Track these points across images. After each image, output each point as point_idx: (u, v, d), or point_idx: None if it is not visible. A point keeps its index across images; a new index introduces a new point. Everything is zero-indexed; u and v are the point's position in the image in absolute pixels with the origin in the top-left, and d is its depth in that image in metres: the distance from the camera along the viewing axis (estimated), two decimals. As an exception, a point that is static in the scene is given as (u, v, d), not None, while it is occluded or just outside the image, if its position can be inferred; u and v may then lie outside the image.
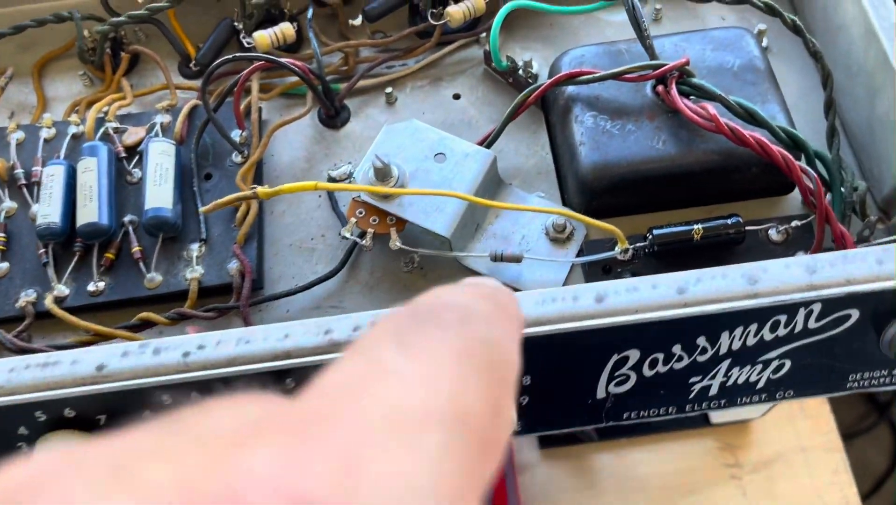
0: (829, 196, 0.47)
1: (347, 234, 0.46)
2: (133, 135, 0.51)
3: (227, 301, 0.46)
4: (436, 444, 0.14)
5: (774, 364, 0.41)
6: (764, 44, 0.54)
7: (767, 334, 0.40)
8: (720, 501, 0.84)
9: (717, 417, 0.89)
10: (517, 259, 0.46)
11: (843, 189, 0.46)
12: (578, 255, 0.47)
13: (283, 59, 0.48)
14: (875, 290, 0.38)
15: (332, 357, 0.38)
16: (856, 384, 0.43)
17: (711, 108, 0.44)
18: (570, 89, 0.49)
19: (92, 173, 0.48)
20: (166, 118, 0.52)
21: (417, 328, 0.17)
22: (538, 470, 0.85)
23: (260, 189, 0.43)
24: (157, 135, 0.51)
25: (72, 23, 0.54)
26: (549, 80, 0.47)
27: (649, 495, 0.84)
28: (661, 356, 0.40)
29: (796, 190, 0.48)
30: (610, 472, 0.85)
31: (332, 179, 0.51)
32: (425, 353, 0.16)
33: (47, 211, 0.47)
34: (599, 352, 0.40)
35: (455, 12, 0.53)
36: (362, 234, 0.46)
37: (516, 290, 0.47)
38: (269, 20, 0.56)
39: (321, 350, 0.38)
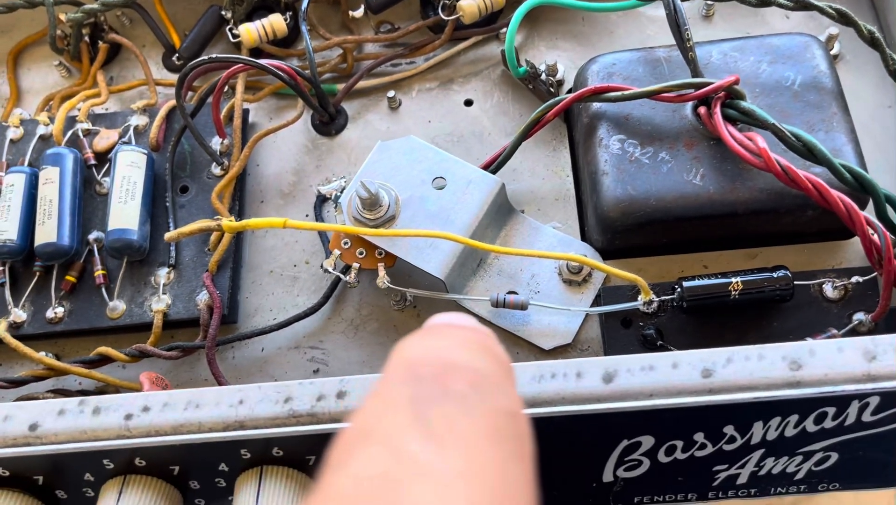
0: (899, 246, 0.39)
1: (329, 268, 0.41)
2: (105, 139, 0.46)
3: (198, 334, 0.41)
4: None
5: (818, 456, 0.35)
6: (835, 50, 0.46)
7: (811, 426, 0.33)
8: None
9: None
10: (522, 306, 0.40)
11: (918, 240, 0.38)
12: (595, 303, 0.41)
13: (264, 62, 0.42)
14: (949, 383, 0.31)
15: (291, 430, 0.33)
16: (916, 479, 0.36)
17: (761, 139, 0.37)
18: (596, 106, 0.41)
19: (53, 185, 0.43)
20: (143, 120, 0.46)
21: (435, 405, 0.15)
22: None
23: (224, 222, 0.37)
24: (129, 140, 0.45)
25: (44, 7, 0.48)
26: (571, 96, 0.40)
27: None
28: (679, 444, 0.34)
29: (860, 234, 0.40)
30: None
31: (321, 196, 0.45)
32: (456, 440, 0.15)
33: (5, 226, 0.42)
34: (606, 437, 0.34)
35: (468, 6, 0.46)
36: (347, 269, 0.41)
37: (520, 338, 0.41)
38: (264, 7, 0.49)
39: (279, 421, 0.33)
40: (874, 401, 0.32)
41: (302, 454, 0.34)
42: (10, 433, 0.34)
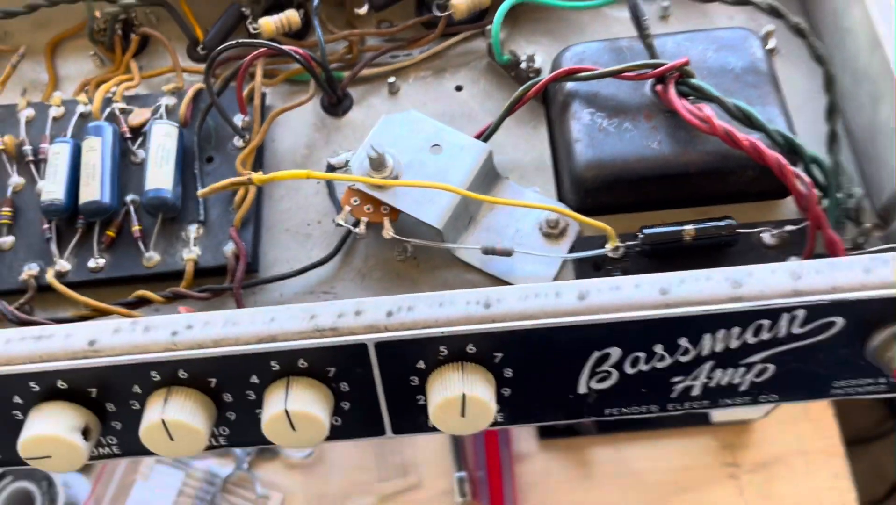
0: (825, 202, 0.47)
1: (341, 222, 0.47)
2: (138, 116, 0.52)
3: (222, 282, 0.47)
4: None
5: (758, 368, 0.41)
6: (771, 45, 0.54)
7: (750, 338, 0.40)
8: (716, 499, 0.84)
9: (717, 416, 0.89)
10: (508, 253, 0.46)
11: (838, 195, 0.45)
12: (570, 251, 0.47)
13: (285, 47, 0.48)
14: (860, 298, 0.38)
15: (316, 343, 0.39)
16: (840, 391, 0.43)
17: (708, 109, 0.44)
18: (570, 85, 0.49)
19: (96, 153, 0.49)
20: (172, 101, 0.53)
21: None
22: (536, 460, 0.85)
23: (255, 175, 0.43)
24: (161, 117, 0.52)
25: (84, 3, 0.54)
26: (548, 76, 0.48)
27: (645, 490, 0.84)
28: (642, 355, 0.40)
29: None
30: (607, 465, 0.85)
31: (330, 167, 0.51)
32: None
33: (52, 188, 0.48)
34: (580, 348, 0.40)
35: (459, 4, 0.53)
36: (356, 223, 0.47)
37: (507, 283, 0.47)
38: (277, 6, 0.56)
39: (305, 335, 0.39)
40: (801, 314, 0.39)
41: (324, 365, 0.39)
42: (70, 348, 0.39)
